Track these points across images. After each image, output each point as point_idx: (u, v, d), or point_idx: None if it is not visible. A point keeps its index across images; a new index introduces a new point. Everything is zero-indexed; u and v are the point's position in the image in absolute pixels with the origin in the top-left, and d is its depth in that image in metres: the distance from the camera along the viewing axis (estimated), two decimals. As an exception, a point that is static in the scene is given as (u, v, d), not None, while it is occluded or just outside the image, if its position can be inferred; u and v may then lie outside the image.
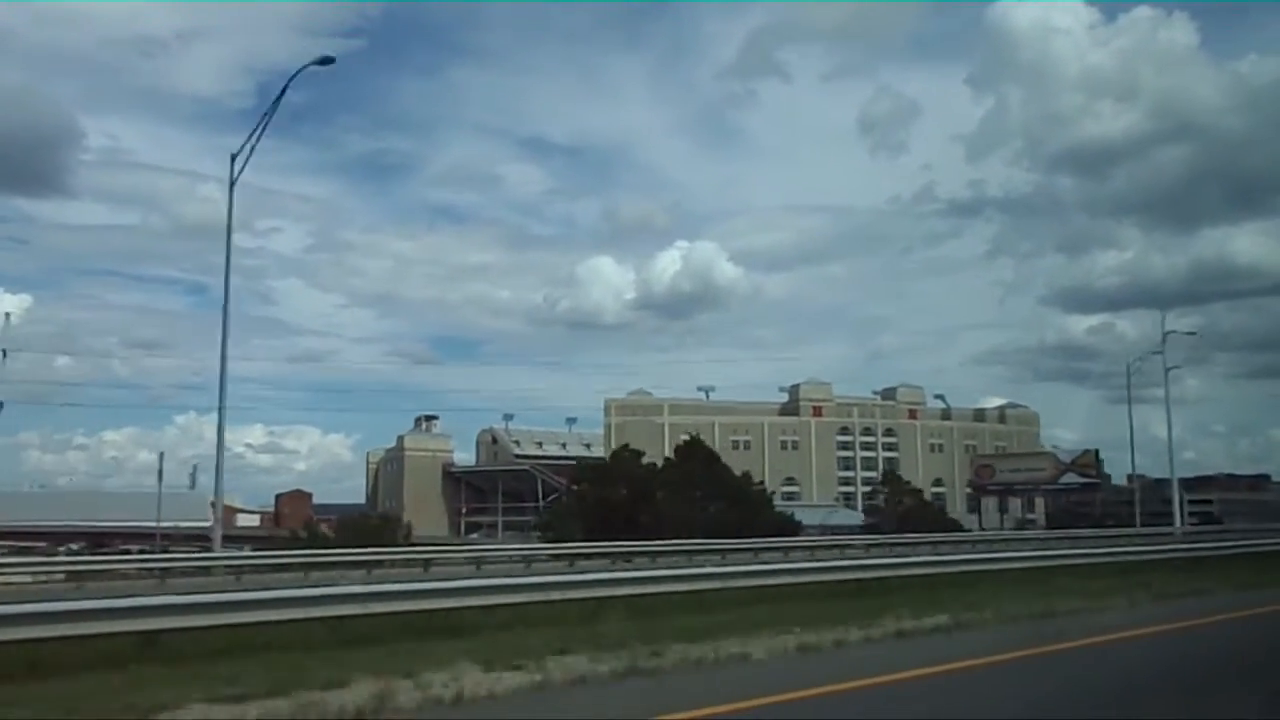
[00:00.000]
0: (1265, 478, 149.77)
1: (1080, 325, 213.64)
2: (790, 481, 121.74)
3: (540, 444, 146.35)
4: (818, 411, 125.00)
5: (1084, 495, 75.32)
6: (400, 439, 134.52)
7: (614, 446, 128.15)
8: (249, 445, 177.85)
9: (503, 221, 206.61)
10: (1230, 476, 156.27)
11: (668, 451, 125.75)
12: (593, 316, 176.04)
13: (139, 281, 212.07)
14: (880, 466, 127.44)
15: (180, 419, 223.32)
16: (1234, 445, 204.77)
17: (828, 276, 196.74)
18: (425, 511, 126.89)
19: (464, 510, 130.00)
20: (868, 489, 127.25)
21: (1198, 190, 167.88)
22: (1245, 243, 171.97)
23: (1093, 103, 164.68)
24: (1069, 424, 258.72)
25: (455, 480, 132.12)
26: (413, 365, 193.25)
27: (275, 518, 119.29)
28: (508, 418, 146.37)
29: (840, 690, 7.95)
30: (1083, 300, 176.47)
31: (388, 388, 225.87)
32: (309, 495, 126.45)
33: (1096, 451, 72.03)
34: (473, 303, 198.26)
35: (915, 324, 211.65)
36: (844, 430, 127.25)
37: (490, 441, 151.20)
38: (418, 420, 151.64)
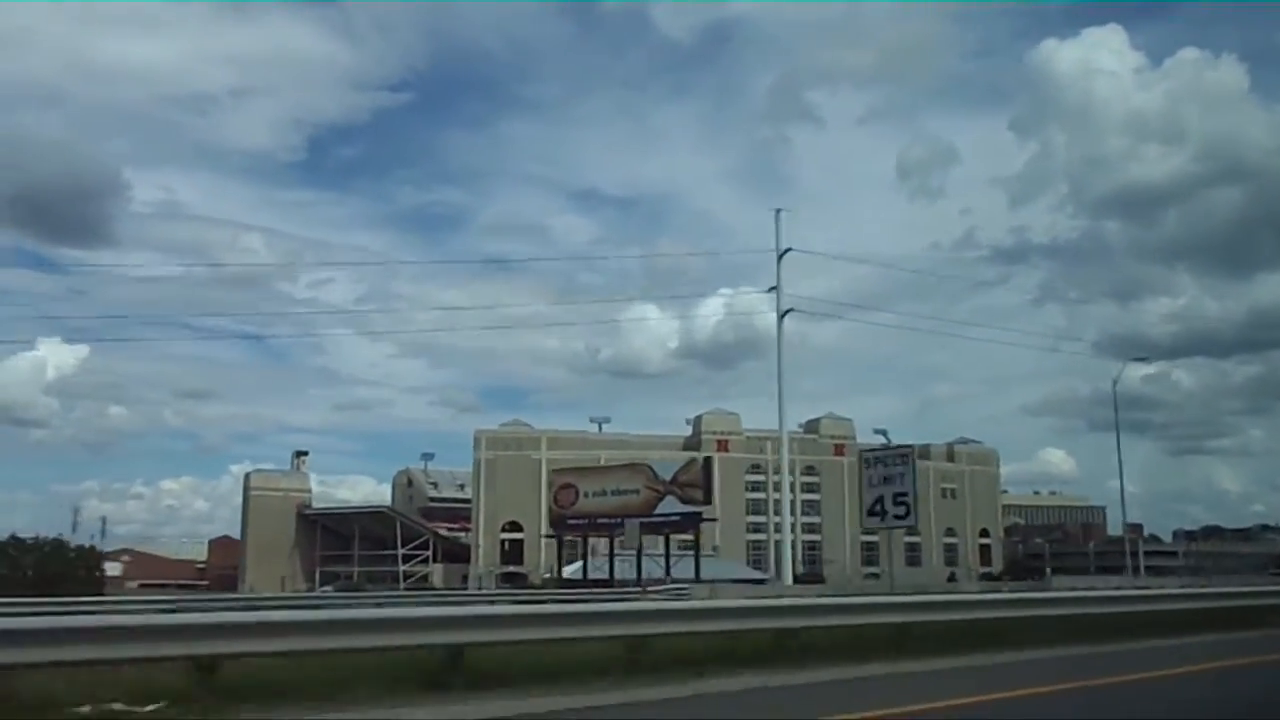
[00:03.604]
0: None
1: (1136, 374, 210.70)
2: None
3: (463, 485, 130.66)
4: (723, 446, 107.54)
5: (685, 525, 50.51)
6: (246, 477, 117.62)
7: (484, 483, 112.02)
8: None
9: (552, 271, 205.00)
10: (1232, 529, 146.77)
11: (543, 490, 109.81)
12: (636, 365, 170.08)
13: (194, 332, 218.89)
14: (798, 511, 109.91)
15: (235, 468, 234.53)
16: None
17: (876, 325, 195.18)
18: (273, 559, 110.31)
19: (319, 556, 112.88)
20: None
21: (1251, 234, 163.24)
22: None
23: (1139, 146, 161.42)
24: (1127, 475, 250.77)
25: (311, 524, 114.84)
26: (459, 413, 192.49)
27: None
28: (427, 457, 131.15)
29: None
30: (1136, 348, 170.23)
31: (438, 436, 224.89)
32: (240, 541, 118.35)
33: (707, 460, 52.68)
34: (521, 352, 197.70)
35: (966, 373, 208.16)
36: (755, 468, 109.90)
37: (405, 484, 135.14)
38: (294, 457, 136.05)
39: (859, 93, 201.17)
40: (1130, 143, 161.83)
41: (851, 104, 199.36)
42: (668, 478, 52.13)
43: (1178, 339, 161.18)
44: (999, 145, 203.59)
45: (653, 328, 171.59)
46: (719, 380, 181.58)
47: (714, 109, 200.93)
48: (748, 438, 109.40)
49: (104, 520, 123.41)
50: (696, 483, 50.80)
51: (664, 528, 50.21)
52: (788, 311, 28.91)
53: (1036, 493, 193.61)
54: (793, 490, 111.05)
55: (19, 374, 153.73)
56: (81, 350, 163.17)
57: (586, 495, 55.48)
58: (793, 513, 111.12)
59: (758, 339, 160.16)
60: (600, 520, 52.90)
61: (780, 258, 28.97)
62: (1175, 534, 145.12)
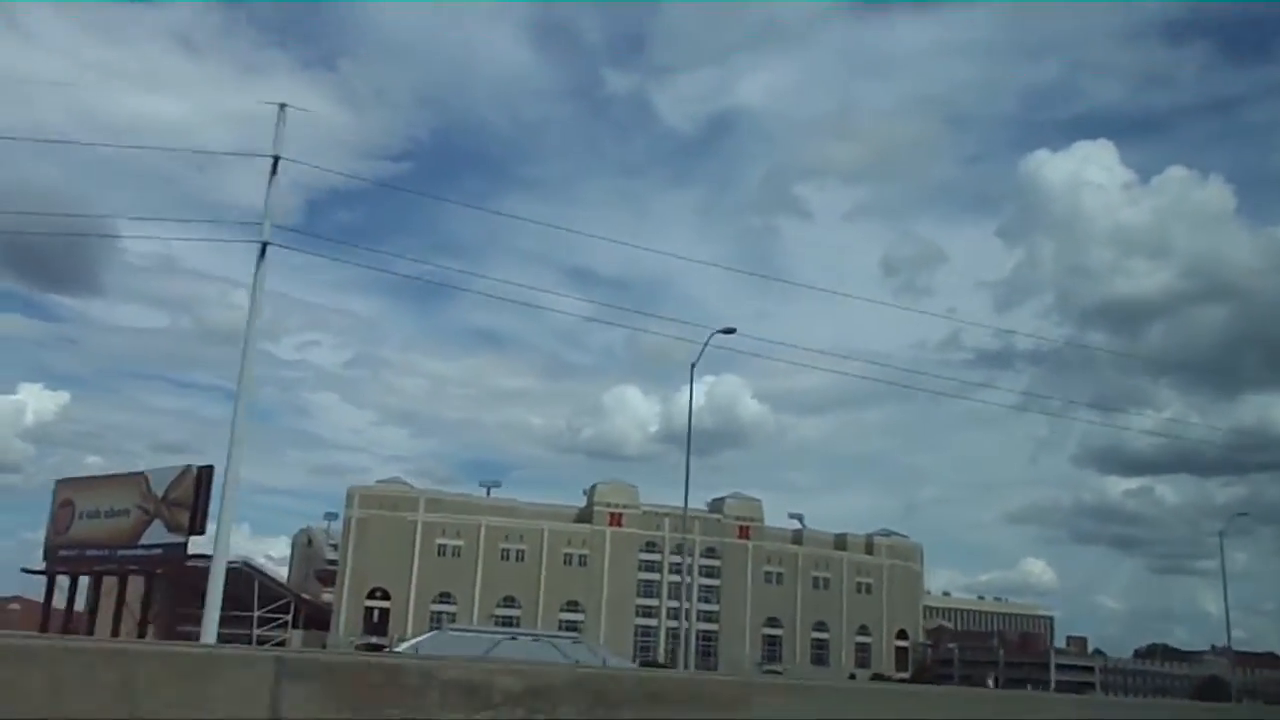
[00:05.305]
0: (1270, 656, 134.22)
1: (1118, 488, 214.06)
2: (572, 606, 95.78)
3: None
4: (616, 520, 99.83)
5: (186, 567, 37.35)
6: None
7: (353, 544, 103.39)
8: (269, 557, 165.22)
9: (540, 348, 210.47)
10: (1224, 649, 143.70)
11: (417, 553, 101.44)
12: (614, 446, 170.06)
13: (179, 386, 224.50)
14: (694, 594, 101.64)
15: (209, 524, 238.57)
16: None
17: (859, 422, 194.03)
18: (126, 613, 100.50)
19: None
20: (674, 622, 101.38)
21: (1237, 353, 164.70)
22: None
23: (1125, 259, 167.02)
24: (1109, 591, 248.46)
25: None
26: (434, 484, 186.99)
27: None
28: (330, 517, 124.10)
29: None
30: (1118, 461, 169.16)
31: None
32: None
33: (203, 470, 38.89)
34: (506, 427, 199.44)
35: (948, 476, 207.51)
36: (650, 546, 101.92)
37: (305, 543, 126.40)
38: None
39: (848, 188, 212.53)
40: (1117, 255, 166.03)
41: (840, 199, 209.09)
42: (160, 494, 38.85)
43: (1161, 454, 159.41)
44: (986, 250, 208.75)
45: (634, 410, 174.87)
46: (699, 467, 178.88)
47: (711, 198, 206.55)
48: (644, 512, 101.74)
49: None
50: (186, 502, 37.10)
51: (142, 564, 37.69)
52: (266, 245, 22.81)
53: (981, 597, 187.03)
54: (691, 573, 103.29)
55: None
56: (63, 397, 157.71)
57: (81, 516, 42.00)
58: (688, 598, 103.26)
59: (740, 429, 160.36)
60: (90, 552, 39.89)
61: (274, 167, 22.91)
62: (1136, 653, 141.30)
